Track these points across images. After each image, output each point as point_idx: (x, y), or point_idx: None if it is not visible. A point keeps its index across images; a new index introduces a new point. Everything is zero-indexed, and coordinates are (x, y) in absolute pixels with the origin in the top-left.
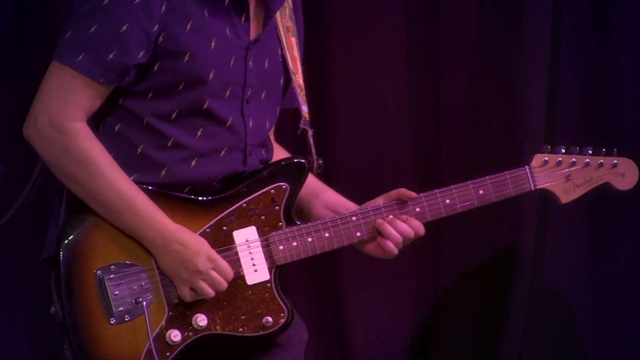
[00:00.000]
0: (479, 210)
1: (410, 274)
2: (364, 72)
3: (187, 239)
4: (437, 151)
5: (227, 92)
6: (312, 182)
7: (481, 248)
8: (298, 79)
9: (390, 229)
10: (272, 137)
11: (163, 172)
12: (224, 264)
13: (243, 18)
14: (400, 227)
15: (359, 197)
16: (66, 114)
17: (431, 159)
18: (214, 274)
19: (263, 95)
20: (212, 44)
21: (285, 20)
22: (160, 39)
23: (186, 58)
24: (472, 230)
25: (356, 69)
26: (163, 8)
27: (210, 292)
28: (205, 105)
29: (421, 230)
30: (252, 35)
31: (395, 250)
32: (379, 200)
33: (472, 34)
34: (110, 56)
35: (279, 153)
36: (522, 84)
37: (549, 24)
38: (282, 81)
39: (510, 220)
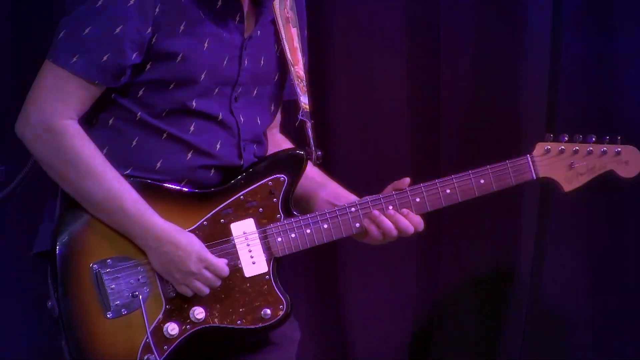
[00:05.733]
0: (480, 212)
1: (411, 274)
2: (364, 64)
3: (179, 240)
4: (437, 142)
5: (216, 90)
6: (314, 175)
7: (481, 249)
8: (297, 70)
9: (388, 224)
10: (272, 132)
11: (159, 165)
12: (217, 262)
13: (237, 18)
14: (401, 223)
15: (359, 189)
16: (58, 113)
17: (431, 150)
18: (207, 273)
19: (255, 92)
20: (205, 45)
21: (285, 12)
22: (154, 40)
23: (178, 59)
24: (472, 232)
25: (356, 60)
26: (157, 10)
27: (205, 291)
28: (194, 105)
29: (421, 226)
30: (247, 32)
31: (386, 241)
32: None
33: (472, 24)
34: (105, 58)
35: (285, 145)
36: (522, 79)
37: (549, 20)
38: (277, 77)
39: (510, 222)
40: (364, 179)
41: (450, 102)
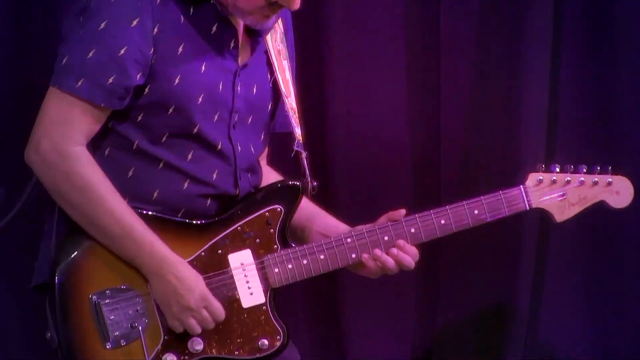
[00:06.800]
0: (479, 247)
1: (410, 307)
2: (362, 92)
3: (184, 273)
4: (436, 171)
5: (216, 117)
6: (306, 206)
7: (480, 286)
8: (290, 101)
9: (391, 263)
10: (262, 162)
11: (155, 194)
12: (217, 305)
13: (232, 44)
14: (405, 261)
15: (357, 217)
16: (68, 139)
17: (430, 179)
18: (204, 313)
19: (249, 120)
20: (202, 68)
21: (276, 44)
22: (153, 61)
23: (176, 81)
24: (471, 268)
25: (354, 89)
26: (155, 30)
27: (197, 330)
28: (196, 130)
29: (416, 257)
30: (241, 60)
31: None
32: (370, 226)
33: (471, 46)
34: (110, 80)
35: (272, 176)
36: (523, 95)
37: (550, 31)
38: (270, 107)
39: (509, 258)
40: (363, 206)
41: (449, 129)
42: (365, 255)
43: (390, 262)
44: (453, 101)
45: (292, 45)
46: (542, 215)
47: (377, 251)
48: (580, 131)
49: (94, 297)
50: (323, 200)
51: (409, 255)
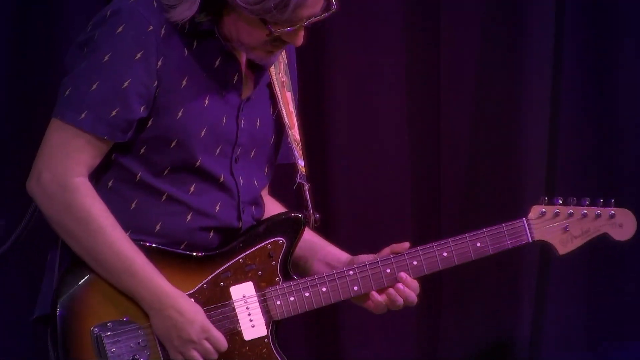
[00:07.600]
0: (480, 275)
1: (410, 340)
2: (363, 122)
3: (183, 307)
4: (437, 201)
5: (218, 150)
6: (309, 238)
7: (482, 298)
8: (294, 133)
9: (400, 300)
10: (265, 194)
11: (158, 227)
12: (218, 335)
13: (235, 78)
14: (410, 298)
15: (358, 250)
16: (69, 170)
17: (431, 209)
18: (206, 344)
19: (252, 154)
20: (206, 102)
21: (280, 75)
22: (156, 94)
23: (179, 115)
24: (473, 279)
25: (356, 119)
26: (159, 63)
27: None
28: (198, 164)
29: (418, 291)
30: (245, 94)
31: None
32: (372, 258)
33: (472, 72)
34: (114, 113)
35: (275, 207)
36: (523, 123)
37: (551, 50)
38: (273, 140)
39: (510, 283)
40: (364, 239)
41: (450, 158)
42: (374, 293)
43: (399, 300)
44: (453, 134)
45: (295, 78)
46: (543, 247)
47: (391, 290)
48: (581, 151)
49: (96, 329)
50: (325, 231)
51: (411, 289)
